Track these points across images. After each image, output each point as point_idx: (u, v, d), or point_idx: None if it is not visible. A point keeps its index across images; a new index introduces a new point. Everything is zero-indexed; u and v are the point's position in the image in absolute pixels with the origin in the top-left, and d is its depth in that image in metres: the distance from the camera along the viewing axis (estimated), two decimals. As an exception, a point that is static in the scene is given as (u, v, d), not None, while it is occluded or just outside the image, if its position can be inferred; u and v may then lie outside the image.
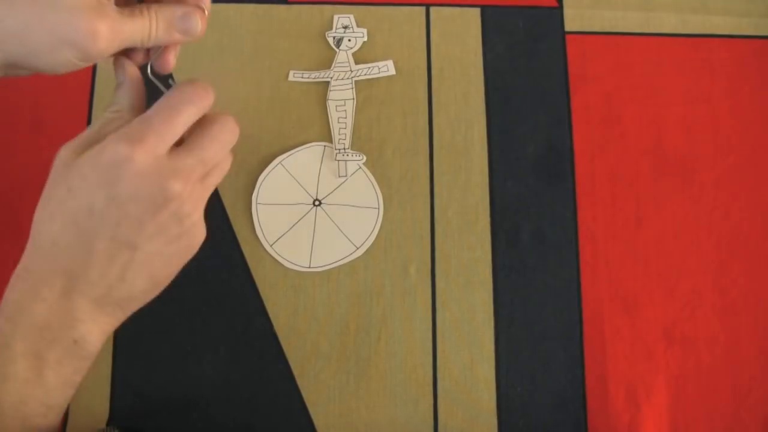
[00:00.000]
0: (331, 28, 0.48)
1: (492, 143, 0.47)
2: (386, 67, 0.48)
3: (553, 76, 0.48)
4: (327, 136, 0.47)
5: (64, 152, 0.32)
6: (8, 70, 0.32)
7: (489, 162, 0.47)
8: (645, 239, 0.46)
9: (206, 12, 0.35)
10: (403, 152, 0.47)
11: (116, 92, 0.35)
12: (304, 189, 0.46)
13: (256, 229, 0.45)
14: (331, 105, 0.47)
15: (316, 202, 0.46)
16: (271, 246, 0.45)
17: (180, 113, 0.32)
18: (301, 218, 0.46)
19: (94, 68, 0.48)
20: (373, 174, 0.46)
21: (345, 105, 0.47)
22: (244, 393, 0.43)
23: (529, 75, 0.48)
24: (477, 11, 0.49)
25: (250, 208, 0.45)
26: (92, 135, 0.32)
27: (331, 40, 0.48)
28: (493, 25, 0.49)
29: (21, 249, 0.45)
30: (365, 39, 0.48)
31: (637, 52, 0.49)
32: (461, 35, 0.49)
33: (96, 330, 0.33)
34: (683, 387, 0.44)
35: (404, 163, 0.47)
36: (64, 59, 0.31)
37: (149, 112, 0.32)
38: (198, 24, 0.34)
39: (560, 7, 0.50)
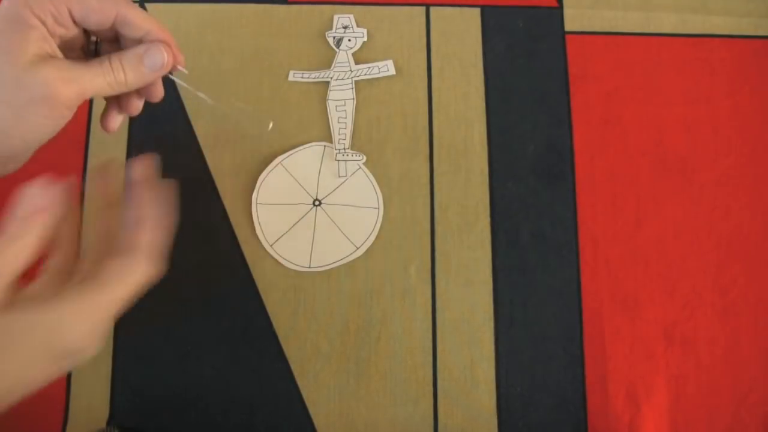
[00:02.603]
0: (331, 28, 0.48)
1: (492, 143, 0.47)
2: (386, 67, 0.48)
3: (553, 76, 0.48)
4: (327, 136, 0.47)
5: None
6: None
7: (489, 162, 0.47)
8: (645, 239, 0.46)
9: (170, 44, 0.34)
10: (403, 152, 0.47)
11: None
12: (304, 189, 0.46)
13: (256, 229, 0.45)
14: (331, 105, 0.47)
15: (316, 202, 0.46)
16: (271, 246, 0.45)
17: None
18: (301, 218, 0.46)
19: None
20: (373, 174, 0.46)
21: (345, 105, 0.47)
22: (244, 393, 0.43)
23: (529, 75, 0.48)
24: (477, 11, 0.49)
25: (250, 208, 0.45)
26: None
27: (331, 40, 0.48)
28: (493, 25, 0.49)
29: (21, 249, 0.45)
30: (365, 39, 0.48)
31: (637, 52, 0.49)
32: (461, 35, 0.49)
33: None
34: (683, 387, 0.44)
35: (404, 163, 0.47)
36: (33, 122, 0.31)
37: None
38: (162, 55, 0.33)
39: (560, 7, 0.50)
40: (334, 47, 0.48)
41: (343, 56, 0.48)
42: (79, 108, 0.47)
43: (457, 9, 0.49)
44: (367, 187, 0.46)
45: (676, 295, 0.45)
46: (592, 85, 0.48)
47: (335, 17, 0.49)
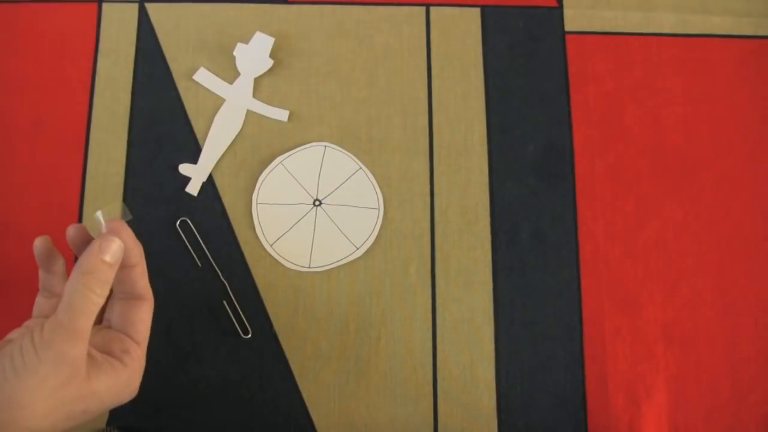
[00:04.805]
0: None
1: (492, 143, 0.47)
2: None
3: (553, 76, 0.48)
4: (327, 136, 0.47)
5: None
6: None
7: (489, 162, 0.47)
8: (645, 239, 0.46)
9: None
10: (403, 152, 0.47)
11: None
12: (304, 189, 0.46)
13: (256, 229, 0.45)
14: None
15: (316, 202, 0.46)
16: (271, 246, 0.45)
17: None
18: (301, 218, 0.46)
19: (93, 68, 0.48)
20: (373, 174, 0.46)
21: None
22: (244, 393, 0.43)
23: (529, 75, 0.48)
24: (477, 11, 0.49)
25: (250, 208, 0.45)
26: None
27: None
28: (493, 25, 0.49)
29: (21, 248, 0.45)
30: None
31: (637, 52, 0.49)
32: (461, 35, 0.49)
33: None
34: (683, 387, 0.44)
35: (404, 163, 0.47)
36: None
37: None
38: (114, 245, 0.32)
39: (560, 7, 0.50)
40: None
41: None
42: (80, 108, 0.47)
43: (457, 9, 0.49)
44: (367, 187, 0.46)
45: (676, 295, 0.45)
46: (592, 85, 0.48)
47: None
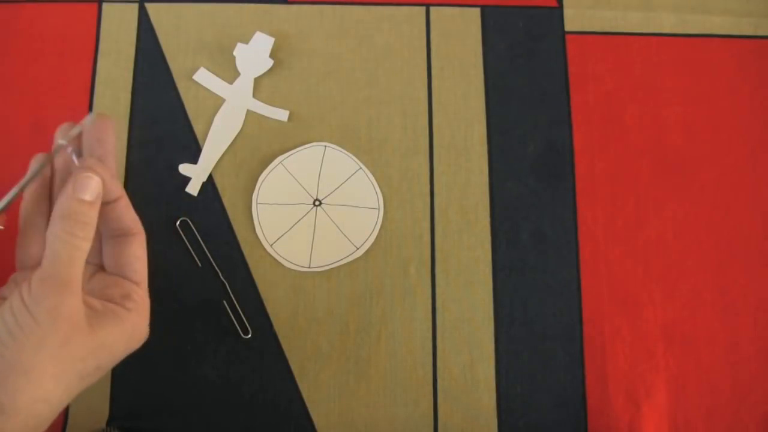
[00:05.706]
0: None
1: (492, 143, 0.47)
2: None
3: (553, 76, 0.48)
4: (327, 136, 0.47)
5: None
6: None
7: (489, 162, 0.47)
8: (645, 239, 0.46)
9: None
10: (403, 152, 0.47)
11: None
12: (304, 189, 0.46)
13: (256, 229, 0.45)
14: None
15: (316, 202, 0.46)
16: (271, 246, 0.45)
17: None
18: (301, 218, 0.46)
19: (93, 68, 0.48)
20: (373, 174, 0.46)
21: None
22: (244, 393, 0.43)
23: (529, 75, 0.48)
24: (477, 11, 0.49)
25: (250, 208, 0.45)
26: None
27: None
28: (493, 25, 0.49)
29: (21, 249, 0.45)
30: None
31: (637, 52, 0.49)
32: (461, 35, 0.49)
33: None
34: (683, 387, 0.44)
35: (404, 163, 0.47)
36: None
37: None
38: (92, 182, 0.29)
39: (560, 7, 0.50)
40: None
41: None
42: (80, 108, 0.47)
43: (457, 9, 0.49)
44: (367, 187, 0.46)
45: (676, 295, 0.45)
46: (592, 85, 0.48)
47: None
